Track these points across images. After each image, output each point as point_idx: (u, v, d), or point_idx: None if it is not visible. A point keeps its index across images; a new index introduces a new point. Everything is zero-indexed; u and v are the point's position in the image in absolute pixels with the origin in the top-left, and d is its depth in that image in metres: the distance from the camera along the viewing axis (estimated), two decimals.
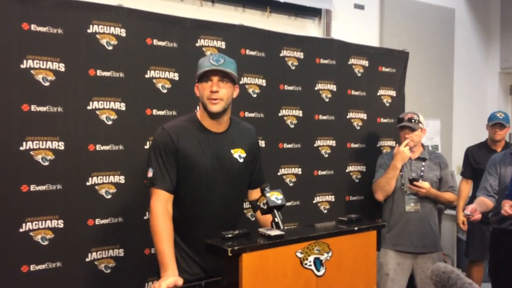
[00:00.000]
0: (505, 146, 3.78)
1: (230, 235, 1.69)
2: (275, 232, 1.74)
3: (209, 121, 2.06)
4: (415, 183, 3.07)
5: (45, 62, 2.38)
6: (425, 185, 3.07)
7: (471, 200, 3.65)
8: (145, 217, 2.64)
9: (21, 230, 2.32)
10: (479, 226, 3.68)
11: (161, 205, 1.98)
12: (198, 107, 2.77)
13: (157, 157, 2.01)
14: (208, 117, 2.05)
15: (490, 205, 2.96)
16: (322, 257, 1.79)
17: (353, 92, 3.55)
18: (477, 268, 3.95)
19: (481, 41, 5.37)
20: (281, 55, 3.21)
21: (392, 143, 3.71)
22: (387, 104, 3.72)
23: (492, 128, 3.80)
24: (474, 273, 3.90)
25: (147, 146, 2.66)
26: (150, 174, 2.02)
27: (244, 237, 1.72)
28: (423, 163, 3.20)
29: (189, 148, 2.02)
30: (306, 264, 1.75)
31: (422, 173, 3.16)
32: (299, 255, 1.73)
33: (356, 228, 1.91)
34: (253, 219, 2.84)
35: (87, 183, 2.50)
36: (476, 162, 3.83)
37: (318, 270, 1.78)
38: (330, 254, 1.81)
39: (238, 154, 2.13)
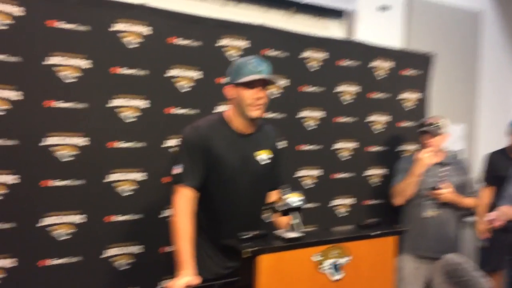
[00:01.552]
0: None
1: (247, 236, 1.70)
2: (292, 234, 1.74)
3: (240, 123, 2.08)
4: (435, 190, 3.03)
5: (69, 59, 2.40)
6: (445, 190, 3.03)
7: (492, 207, 3.58)
8: (163, 215, 2.65)
9: (40, 224, 2.35)
10: (497, 235, 3.61)
11: (185, 203, 1.99)
12: (217, 107, 2.82)
13: (186, 155, 2.03)
14: (244, 121, 2.07)
15: None
16: (339, 262, 1.78)
17: (375, 95, 3.51)
18: (495, 278, 3.86)
19: (508, 45, 5.25)
20: (303, 55, 3.20)
21: (413, 147, 3.65)
22: (410, 108, 3.68)
23: None
24: (495, 281, 3.81)
25: (167, 144, 2.68)
26: (178, 170, 2.03)
27: (261, 239, 1.72)
28: (444, 169, 3.15)
29: (218, 148, 2.04)
30: (322, 268, 1.74)
31: (442, 179, 3.11)
32: (315, 258, 1.73)
33: (375, 233, 1.90)
34: (269, 220, 2.83)
35: (107, 180, 2.52)
36: (496, 169, 3.74)
37: (335, 275, 1.76)
38: (347, 259, 1.80)
39: (262, 156, 2.15)
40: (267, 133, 2.22)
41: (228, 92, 2.09)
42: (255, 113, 2.03)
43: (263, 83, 2.02)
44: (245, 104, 2.02)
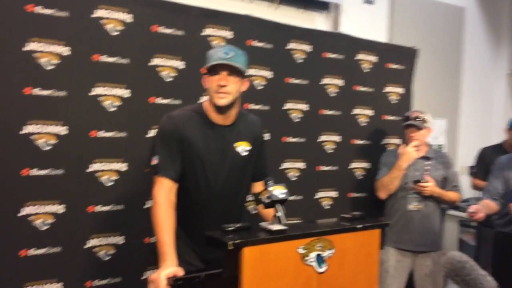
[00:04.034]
0: None
1: (231, 228, 1.67)
2: (277, 227, 1.72)
3: (215, 114, 2.03)
4: (419, 183, 3.04)
5: (49, 45, 2.34)
6: (429, 184, 3.04)
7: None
8: (146, 206, 2.62)
9: (20, 214, 2.30)
10: (491, 231, 3.64)
11: (164, 193, 1.94)
12: (201, 98, 2.78)
13: (163, 145, 1.98)
14: (215, 110, 2.02)
15: (495, 208, 2.92)
16: (324, 254, 1.77)
17: (360, 88, 3.51)
18: None
19: (490, 41, 5.31)
20: (288, 47, 3.17)
21: (397, 141, 3.67)
22: (394, 101, 3.69)
23: None
24: None
25: (149, 135, 2.63)
26: (154, 162, 1.98)
27: (245, 231, 1.70)
28: (428, 162, 3.17)
29: (194, 140, 2.00)
30: (307, 260, 1.72)
31: (426, 172, 3.13)
32: (300, 251, 1.71)
33: (359, 226, 1.89)
34: (253, 212, 2.81)
35: (89, 170, 2.47)
36: (491, 164, 3.77)
37: (320, 267, 1.75)
38: (332, 251, 1.78)
39: (242, 147, 2.10)
40: (249, 123, 2.17)
41: (203, 82, 2.05)
42: (219, 101, 1.95)
43: (230, 70, 1.95)
44: (211, 92, 1.97)
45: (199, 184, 2.04)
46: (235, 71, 1.97)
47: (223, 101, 1.96)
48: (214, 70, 1.95)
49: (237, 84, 1.99)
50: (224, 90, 1.95)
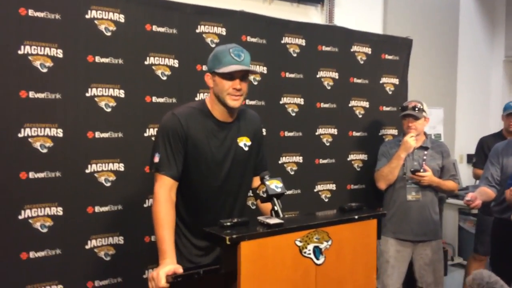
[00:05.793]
0: None
1: (228, 223, 1.68)
2: (274, 221, 1.73)
3: (220, 112, 2.06)
4: (417, 173, 3.05)
5: (42, 48, 2.34)
6: (427, 173, 3.05)
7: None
8: (145, 205, 2.64)
9: (20, 217, 2.31)
10: (484, 218, 3.64)
11: (165, 191, 1.96)
12: (197, 95, 2.79)
13: (165, 142, 1.99)
14: (224, 109, 2.04)
15: (492, 195, 2.93)
16: (322, 246, 1.78)
17: (356, 80, 3.51)
18: (479, 263, 3.86)
19: (486, 29, 5.31)
20: (282, 42, 3.17)
21: (394, 131, 3.68)
22: (390, 92, 3.69)
23: (507, 118, 3.72)
24: (475, 266, 3.81)
25: (146, 134, 2.64)
26: (156, 159, 1.99)
27: (243, 226, 1.71)
28: (426, 152, 3.18)
29: (198, 137, 2.01)
30: (305, 252, 1.74)
31: (424, 162, 3.14)
32: (298, 243, 1.72)
33: (356, 217, 1.90)
34: (254, 207, 2.83)
35: (86, 171, 2.48)
36: None
37: (318, 259, 1.76)
38: (329, 242, 1.80)
39: (244, 142, 2.13)
40: (249, 119, 2.20)
41: (208, 80, 2.06)
42: (233, 102, 2.00)
43: (243, 73, 2.00)
44: (224, 94, 1.99)
45: (203, 180, 2.05)
46: (246, 74, 2.02)
47: (236, 103, 2.01)
48: (230, 73, 1.97)
49: (247, 85, 2.05)
50: (240, 93, 2.00)
